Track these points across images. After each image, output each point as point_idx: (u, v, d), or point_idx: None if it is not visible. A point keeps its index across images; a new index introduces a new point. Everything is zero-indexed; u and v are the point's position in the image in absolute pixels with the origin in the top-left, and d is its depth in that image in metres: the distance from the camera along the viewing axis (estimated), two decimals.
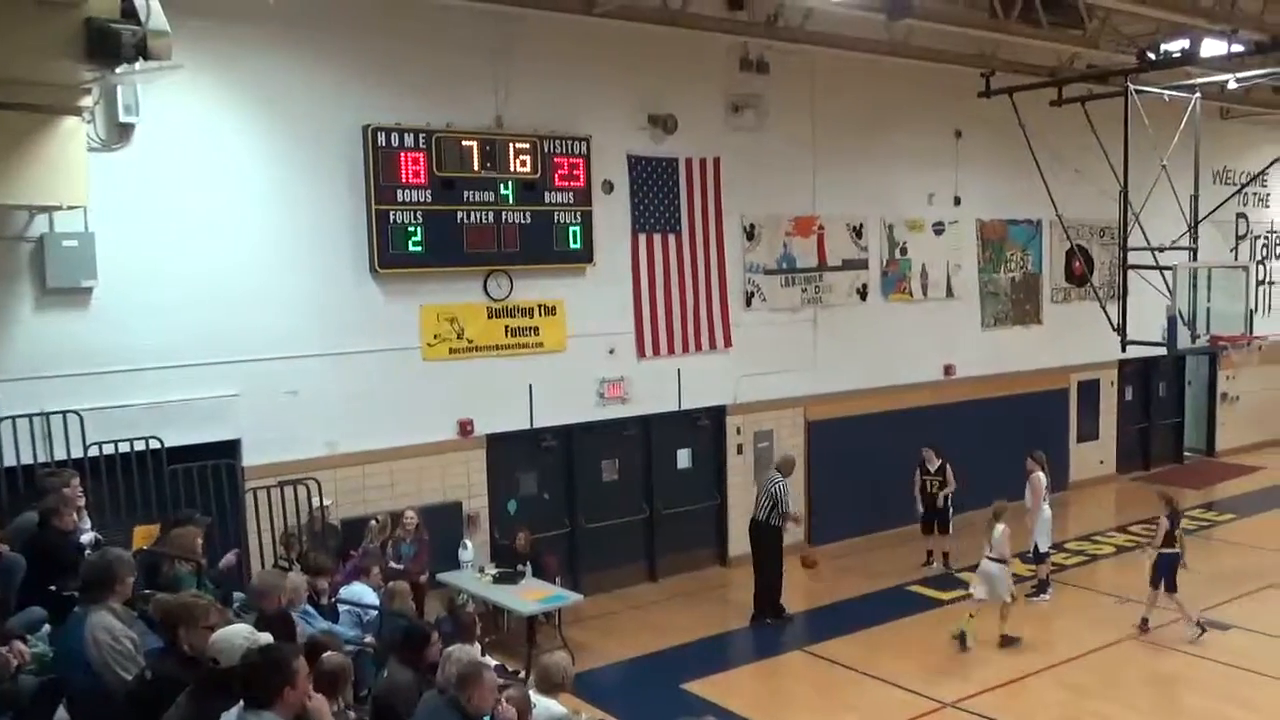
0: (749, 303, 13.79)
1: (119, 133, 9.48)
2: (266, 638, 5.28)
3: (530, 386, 12.08)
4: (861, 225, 14.89)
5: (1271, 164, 15.31)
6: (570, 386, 12.37)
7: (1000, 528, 11.14)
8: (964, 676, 10.39)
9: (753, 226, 13.79)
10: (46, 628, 6.47)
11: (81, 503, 7.99)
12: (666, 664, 10.84)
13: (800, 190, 14.21)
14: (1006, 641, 11.11)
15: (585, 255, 12.19)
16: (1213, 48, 12.31)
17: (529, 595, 10.71)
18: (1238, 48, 12.20)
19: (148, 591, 6.39)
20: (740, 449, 14.00)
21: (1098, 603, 12.52)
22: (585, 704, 8.72)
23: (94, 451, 9.27)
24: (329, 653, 5.83)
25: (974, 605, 11.16)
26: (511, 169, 11.52)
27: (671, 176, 12.96)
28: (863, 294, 14.95)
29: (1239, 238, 20.30)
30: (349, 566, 9.73)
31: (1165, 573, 11.09)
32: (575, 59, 12.05)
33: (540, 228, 11.80)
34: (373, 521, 10.54)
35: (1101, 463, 18.58)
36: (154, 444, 9.59)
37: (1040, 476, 12.64)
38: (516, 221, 11.64)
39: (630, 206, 12.69)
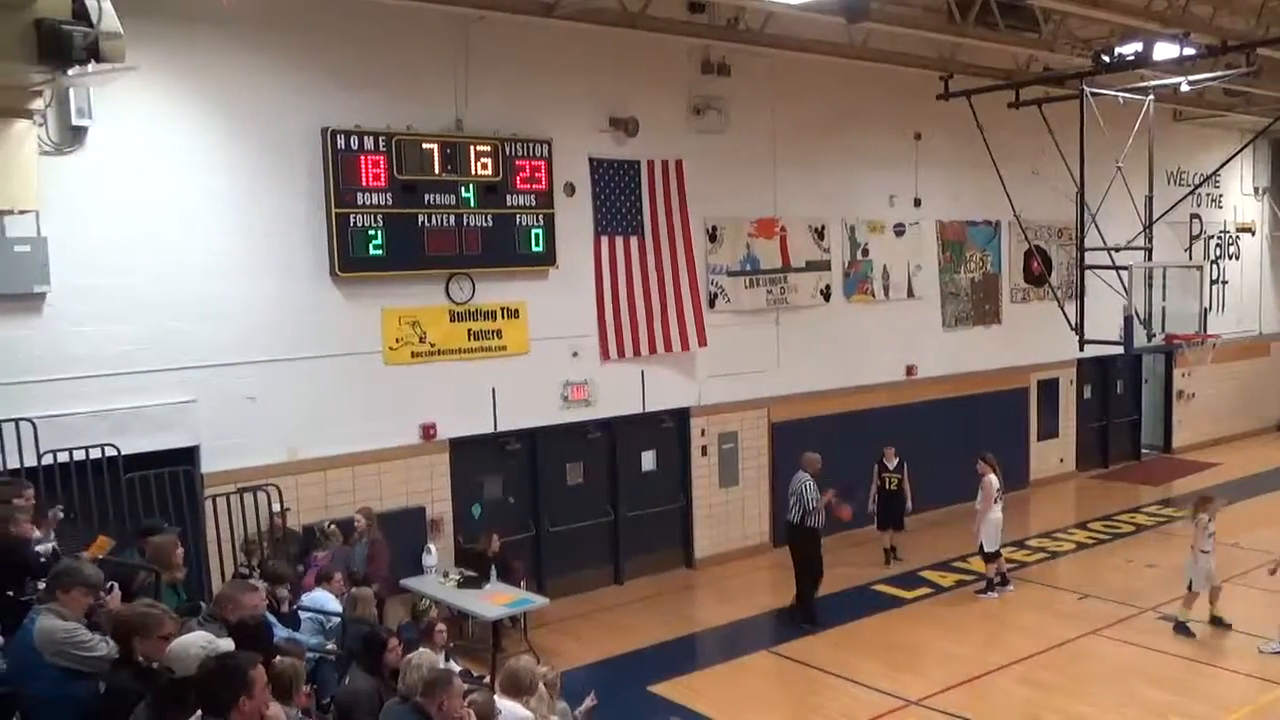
0: (712, 304, 13.81)
1: (71, 136, 9.33)
2: (226, 645, 5.21)
3: (493, 390, 12.03)
4: (824, 227, 14.97)
5: (1223, 165, 15.59)
6: (534, 389, 12.33)
7: (1202, 516, 11.29)
8: (928, 675, 10.46)
9: (715, 228, 13.81)
10: (0, 639, 6.35)
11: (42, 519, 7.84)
12: (633, 666, 10.82)
13: (762, 192, 14.26)
14: (1217, 623, 11.33)
15: (547, 258, 12.15)
16: (1165, 51, 12.46)
17: (494, 600, 10.64)
18: (1189, 51, 12.38)
19: (99, 603, 6.26)
20: (705, 451, 14.02)
21: (1059, 599, 12.66)
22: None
23: (48, 460, 9.08)
24: (278, 657, 5.77)
25: (1192, 596, 11.33)
26: (473, 172, 11.47)
27: (633, 179, 12.95)
28: (826, 295, 15.03)
29: (1193, 238, 20.63)
30: (318, 569, 9.61)
31: None
32: (536, 61, 12.02)
33: (502, 230, 11.75)
34: (331, 526, 10.43)
35: (1061, 460, 18.80)
36: (110, 451, 9.43)
37: (993, 479, 12.68)
38: (478, 224, 11.58)
39: (593, 209, 12.67)
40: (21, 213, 8.58)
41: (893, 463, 13.91)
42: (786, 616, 12.05)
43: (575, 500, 13.07)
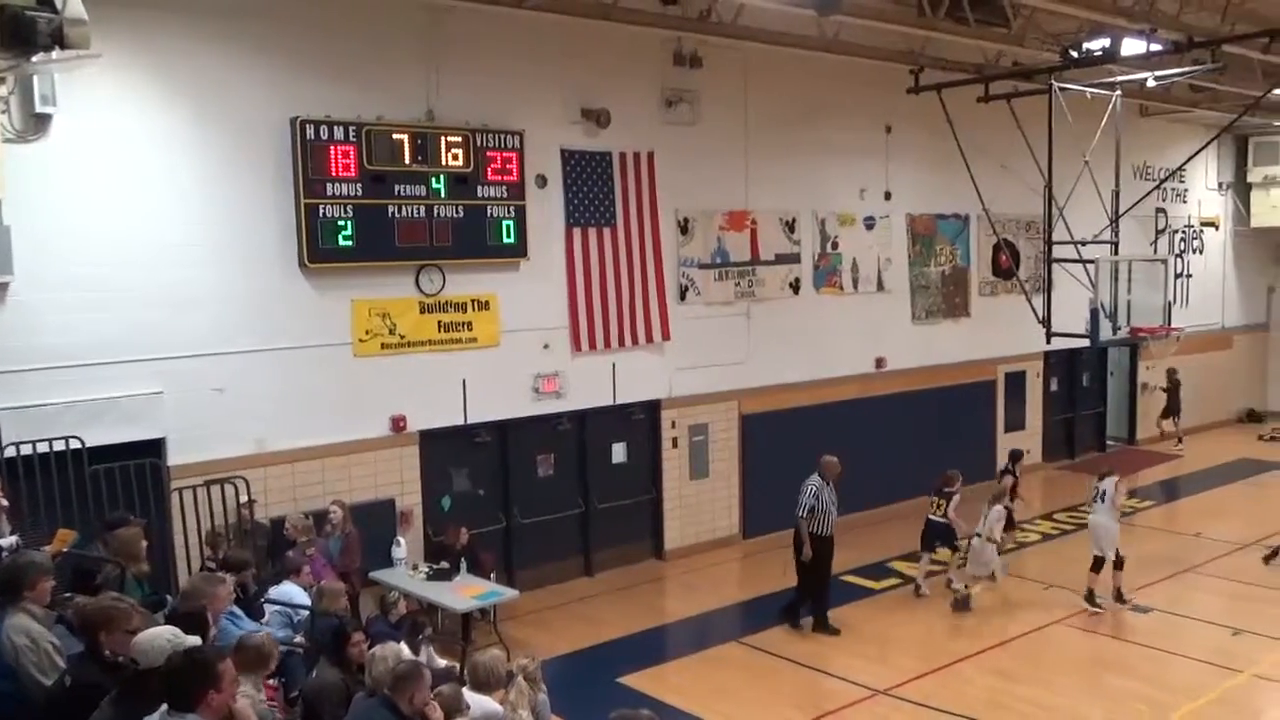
0: (683, 297, 13.83)
1: (35, 123, 9.20)
2: (193, 640, 5.18)
3: (464, 382, 12.00)
4: (794, 219, 15.02)
5: (1188, 160, 15.75)
6: (504, 382, 12.31)
7: None
8: (896, 664, 10.55)
9: (686, 220, 13.83)
10: None
11: (5, 504, 7.77)
12: (603, 658, 10.85)
13: (733, 184, 14.29)
14: None
15: (519, 250, 12.12)
16: (1132, 46, 12.60)
17: (464, 592, 10.63)
18: (1156, 47, 12.51)
19: (67, 595, 6.22)
20: (675, 443, 14.04)
21: (1024, 589, 12.80)
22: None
23: (11, 452, 8.98)
24: (254, 634, 5.78)
25: None
26: (443, 163, 11.41)
27: (605, 170, 12.94)
28: (795, 288, 15.09)
29: (1158, 232, 20.87)
30: (315, 563, 9.56)
31: None
32: (508, 52, 11.97)
33: (473, 222, 11.70)
34: (308, 519, 10.33)
35: (1028, 452, 18.90)
36: (74, 444, 9.32)
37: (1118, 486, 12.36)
38: (449, 216, 11.53)
39: (564, 201, 12.65)
40: None
41: (953, 487, 12.81)
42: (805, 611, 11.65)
43: (546, 492, 13.05)
